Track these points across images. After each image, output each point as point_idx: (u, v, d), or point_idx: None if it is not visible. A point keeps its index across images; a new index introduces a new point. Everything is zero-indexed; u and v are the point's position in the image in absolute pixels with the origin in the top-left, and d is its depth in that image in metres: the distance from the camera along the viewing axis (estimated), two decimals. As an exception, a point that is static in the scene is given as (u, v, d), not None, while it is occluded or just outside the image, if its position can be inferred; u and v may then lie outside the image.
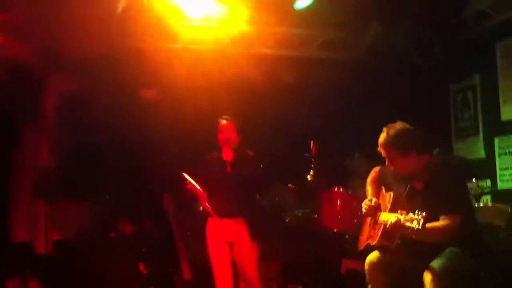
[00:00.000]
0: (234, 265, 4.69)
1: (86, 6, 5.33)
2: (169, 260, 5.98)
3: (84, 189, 6.10)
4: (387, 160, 3.77)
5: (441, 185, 3.59)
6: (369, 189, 4.09)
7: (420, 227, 3.29)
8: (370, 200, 3.93)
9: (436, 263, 3.49)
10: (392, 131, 3.70)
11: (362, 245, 4.03)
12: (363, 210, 3.95)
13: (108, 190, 6.19)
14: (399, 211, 3.50)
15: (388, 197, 3.86)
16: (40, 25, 5.68)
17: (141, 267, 5.76)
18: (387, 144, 3.70)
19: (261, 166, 4.76)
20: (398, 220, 3.44)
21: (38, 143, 6.35)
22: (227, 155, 4.74)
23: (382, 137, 3.73)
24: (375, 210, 3.88)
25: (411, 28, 5.92)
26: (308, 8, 5.67)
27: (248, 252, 4.68)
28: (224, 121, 4.82)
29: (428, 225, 3.35)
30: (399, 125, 3.74)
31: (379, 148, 3.76)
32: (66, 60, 6.13)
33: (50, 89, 6.46)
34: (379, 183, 4.06)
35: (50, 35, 5.80)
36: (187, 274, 5.90)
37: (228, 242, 4.69)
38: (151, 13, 5.66)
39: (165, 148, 6.26)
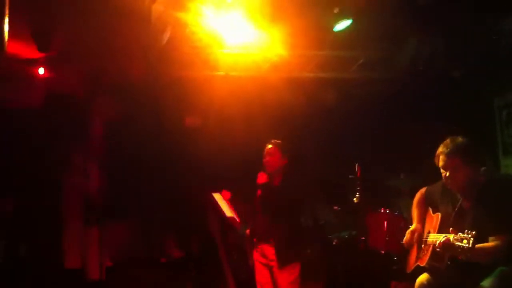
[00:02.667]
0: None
1: (132, 37, 5.53)
2: (216, 281, 6.05)
3: (133, 214, 6.25)
4: (447, 171, 3.68)
5: (489, 204, 3.54)
6: (415, 212, 4.07)
7: (470, 245, 3.25)
8: (413, 232, 3.92)
9: (486, 283, 3.44)
10: (460, 142, 3.66)
11: (411, 266, 4.00)
12: (404, 239, 3.95)
13: (155, 213, 6.33)
14: (450, 230, 3.47)
15: (436, 218, 3.83)
16: (86, 55, 5.91)
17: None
18: (455, 153, 3.63)
19: (305, 189, 4.75)
20: (448, 240, 3.41)
21: (87, 169, 6.56)
22: (271, 179, 4.75)
23: (449, 146, 3.66)
24: (415, 241, 3.88)
25: (450, 44, 5.88)
26: (347, 30, 5.70)
27: (287, 276, 4.65)
28: (270, 145, 4.85)
29: (477, 246, 3.31)
30: (464, 138, 3.70)
31: (441, 157, 3.68)
32: (111, 88, 6.34)
33: (97, 117, 6.69)
34: (425, 205, 4.03)
35: (96, 64, 6.03)
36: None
37: (267, 265, 4.72)
38: (193, 42, 5.81)
39: (209, 172, 6.36)
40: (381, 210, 5.38)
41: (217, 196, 4.84)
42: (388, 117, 6.61)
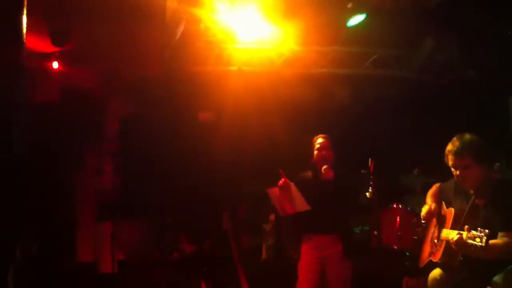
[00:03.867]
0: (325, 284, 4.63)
1: (146, 33, 5.56)
2: (228, 278, 6.07)
3: (147, 210, 6.28)
4: (457, 169, 3.65)
5: (503, 202, 3.52)
6: (429, 203, 4.06)
7: (483, 244, 3.24)
8: (430, 206, 3.90)
9: (498, 278, 3.44)
10: (468, 139, 3.62)
11: (423, 262, 4.00)
12: (422, 215, 3.93)
13: (169, 210, 6.36)
14: (466, 228, 3.45)
15: (449, 213, 3.83)
16: (101, 52, 5.95)
17: (203, 285, 5.87)
18: (462, 151, 3.58)
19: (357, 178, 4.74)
20: (461, 237, 3.40)
21: (101, 166, 6.61)
22: (328, 173, 4.60)
23: (456, 144, 3.62)
24: (433, 215, 3.86)
25: (465, 43, 5.86)
26: (360, 26, 5.70)
27: (342, 270, 4.58)
28: (321, 139, 4.73)
29: (489, 242, 3.30)
30: (472, 135, 3.65)
31: (450, 156, 3.65)
32: (126, 85, 6.38)
33: (112, 114, 6.74)
34: (439, 199, 4.02)
35: (111, 62, 6.07)
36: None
37: (321, 258, 4.61)
38: (207, 37, 5.84)
39: (223, 169, 6.38)
40: (393, 205, 5.38)
41: (274, 192, 4.72)
42: (403, 115, 6.60)
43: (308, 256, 4.66)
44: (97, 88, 6.59)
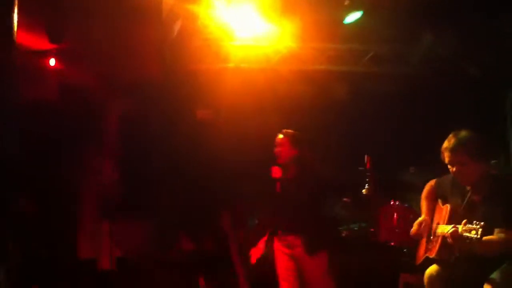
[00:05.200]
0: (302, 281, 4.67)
1: (143, 31, 5.56)
2: (227, 276, 6.08)
3: (146, 208, 6.29)
4: (453, 166, 3.65)
5: (500, 198, 3.52)
6: (424, 203, 4.06)
7: (479, 236, 3.24)
8: (421, 223, 3.92)
9: (496, 275, 3.44)
10: (463, 136, 3.61)
11: (420, 258, 4.00)
12: (411, 230, 3.94)
13: (168, 209, 6.36)
14: (462, 222, 3.45)
15: (445, 209, 3.83)
16: (98, 50, 5.95)
17: (201, 283, 5.87)
18: (458, 148, 3.59)
19: (319, 180, 4.70)
20: (456, 230, 3.41)
21: (101, 164, 6.62)
22: (285, 171, 4.66)
23: (452, 141, 3.63)
24: (423, 232, 3.87)
25: (464, 38, 5.84)
26: (357, 23, 5.69)
27: (316, 266, 4.61)
28: (280, 135, 4.75)
29: (485, 238, 3.30)
30: (468, 132, 3.66)
31: (446, 153, 3.65)
32: (124, 83, 6.38)
33: (111, 113, 6.74)
34: (435, 196, 4.02)
35: (108, 60, 6.07)
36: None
37: (293, 256, 4.66)
38: (204, 35, 5.83)
39: (221, 167, 6.38)
40: (391, 202, 5.39)
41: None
42: (400, 111, 6.60)
43: (279, 254, 4.70)
44: (95, 86, 6.58)
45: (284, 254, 4.69)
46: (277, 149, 4.72)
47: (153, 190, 6.45)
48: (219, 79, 6.19)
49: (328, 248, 4.64)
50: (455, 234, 3.41)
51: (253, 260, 4.86)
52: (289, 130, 4.76)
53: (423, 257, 3.94)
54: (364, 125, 6.44)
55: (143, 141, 6.51)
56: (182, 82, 6.29)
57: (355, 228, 5.77)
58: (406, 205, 5.38)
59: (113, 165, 6.63)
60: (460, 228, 3.38)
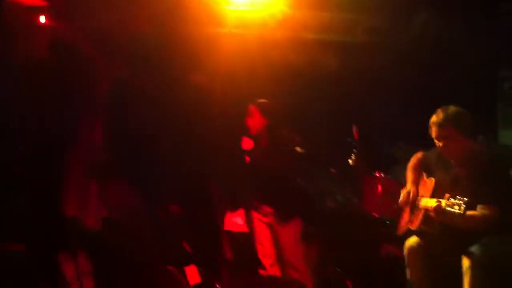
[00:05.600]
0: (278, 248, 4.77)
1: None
2: (212, 241, 6.13)
3: (136, 172, 6.29)
4: (440, 141, 3.70)
5: (484, 173, 3.57)
6: (410, 175, 4.11)
7: (462, 212, 3.30)
8: (409, 192, 3.96)
9: (475, 249, 3.51)
10: (452, 111, 3.66)
11: (401, 229, 4.07)
12: (400, 199, 3.99)
13: (158, 173, 6.37)
14: (445, 196, 3.50)
15: (429, 182, 3.87)
16: (90, 8, 5.86)
17: (186, 246, 5.93)
18: (446, 122, 3.64)
19: (297, 149, 4.67)
20: (439, 205, 3.46)
21: (92, 125, 6.57)
22: (257, 142, 4.65)
23: (440, 115, 3.68)
24: (411, 202, 3.92)
25: (457, 15, 5.82)
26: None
27: (289, 235, 4.73)
28: (250, 105, 4.71)
29: (468, 213, 3.35)
30: (455, 107, 3.70)
31: (433, 127, 3.70)
32: (116, 45, 6.30)
33: (103, 75, 6.66)
34: (421, 169, 4.07)
35: (100, 19, 5.99)
36: (228, 254, 6.04)
37: (269, 224, 4.78)
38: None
39: (213, 134, 6.36)
40: (376, 174, 5.43)
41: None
42: (391, 85, 6.58)
43: (257, 221, 4.78)
44: (86, 46, 6.49)
45: (261, 222, 4.78)
46: (247, 120, 4.66)
47: (144, 155, 6.45)
48: (214, 44, 6.13)
49: (301, 218, 4.70)
50: (438, 208, 3.46)
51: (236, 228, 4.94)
52: (261, 100, 4.68)
53: (405, 229, 4.00)
54: (354, 96, 6.43)
55: (135, 105, 6.47)
56: (176, 45, 6.22)
57: (340, 199, 5.81)
58: (391, 177, 5.42)
59: (104, 128, 6.59)
60: (444, 202, 3.43)
